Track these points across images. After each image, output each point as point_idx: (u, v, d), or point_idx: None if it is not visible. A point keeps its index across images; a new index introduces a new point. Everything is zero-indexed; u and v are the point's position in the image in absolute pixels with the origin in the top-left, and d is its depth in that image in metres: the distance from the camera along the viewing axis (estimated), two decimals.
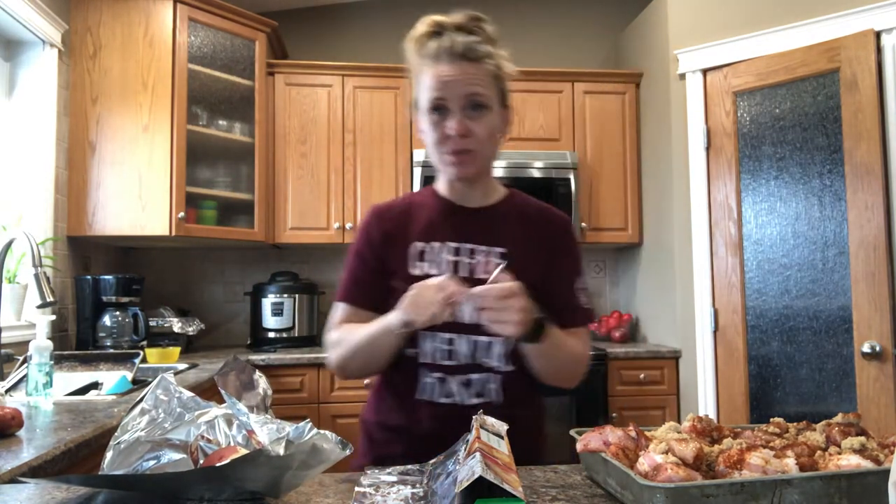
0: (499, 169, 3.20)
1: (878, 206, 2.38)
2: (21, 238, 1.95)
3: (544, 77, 3.37)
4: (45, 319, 1.74)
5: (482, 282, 1.17)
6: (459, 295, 1.05)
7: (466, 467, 0.72)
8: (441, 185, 1.32)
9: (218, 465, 0.76)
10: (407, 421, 1.22)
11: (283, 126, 3.22)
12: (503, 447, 0.83)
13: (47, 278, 1.87)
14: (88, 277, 2.75)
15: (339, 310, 1.31)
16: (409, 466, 0.95)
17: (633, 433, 0.88)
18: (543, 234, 1.28)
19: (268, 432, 0.86)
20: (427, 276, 1.19)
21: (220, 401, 0.93)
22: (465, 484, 0.67)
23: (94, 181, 2.76)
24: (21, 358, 1.96)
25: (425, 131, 1.22)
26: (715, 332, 2.85)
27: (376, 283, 1.26)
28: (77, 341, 2.75)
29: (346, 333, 1.24)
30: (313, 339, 3.25)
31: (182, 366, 2.45)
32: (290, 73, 3.24)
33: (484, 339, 1.21)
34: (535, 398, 1.31)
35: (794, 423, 0.97)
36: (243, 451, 0.80)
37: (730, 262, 2.81)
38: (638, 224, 3.39)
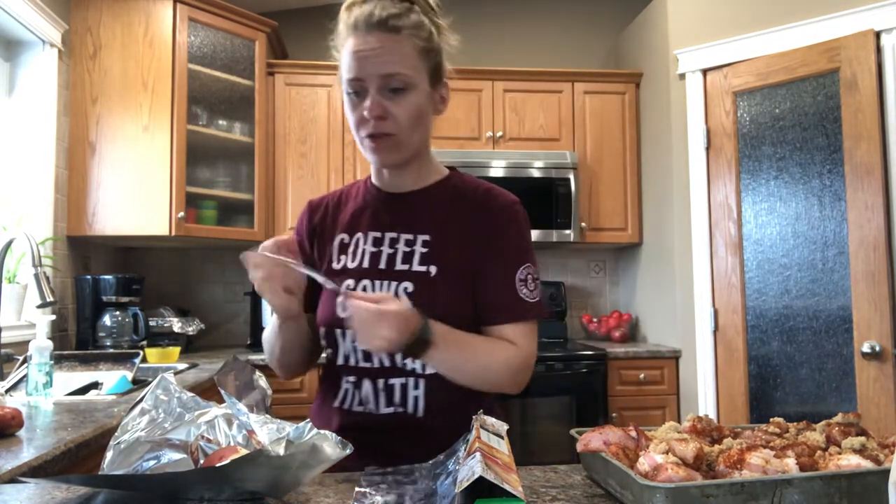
0: (498, 169, 3.20)
1: (878, 206, 2.38)
2: (21, 238, 1.95)
3: (544, 77, 3.37)
4: (45, 319, 1.74)
5: (402, 273, 1.10)
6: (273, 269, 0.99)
7: (466, 467, 0.72)
8: (372, 172, 1.21)
9: (218, 465, 0.76)
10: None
11: (283, 126, 3.22)
12: (503, 447, 0.83)
13: (47, 278, 1.87)
14: (88, 277, 2.75)
15: None
16: (409, 466, 0.95)
17: (633, 433, 0.88)
18: (480, 218, 1.13)
19: (268, 432, 0.86)
20: (347, 269, 1.13)
21: (220, 401, 0.93)
22: (466, 484, 0.67)
23: (94, 181, 2.76)
24: (21, 358, 1.96)
25: (347, 112, 1.10)
26: (715, 332, 2.85)
27: (309, 281, 1.16)
28: (77, 341, 2.75)
29: (268, 331, 1.19)
30: None
31: (182, 366, 2.45)
32: (290, 73, 3.24)
33: None
34: (476, 405, 1.08)
35: (794, 423, 0.97)
36: (243, 451, 0.80)
37: (730, 262, 2.81)
38: (638, 224, 3.39)
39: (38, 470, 1.04)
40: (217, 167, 3.19)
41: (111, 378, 2.04)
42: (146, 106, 2.79)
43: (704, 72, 2.93)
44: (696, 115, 2.94)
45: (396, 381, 1.09)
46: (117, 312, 2.74)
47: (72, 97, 2.77)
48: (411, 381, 1.09)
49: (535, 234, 3.22)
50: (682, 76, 3.00)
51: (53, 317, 2.13)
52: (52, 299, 1.85)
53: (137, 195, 2.77)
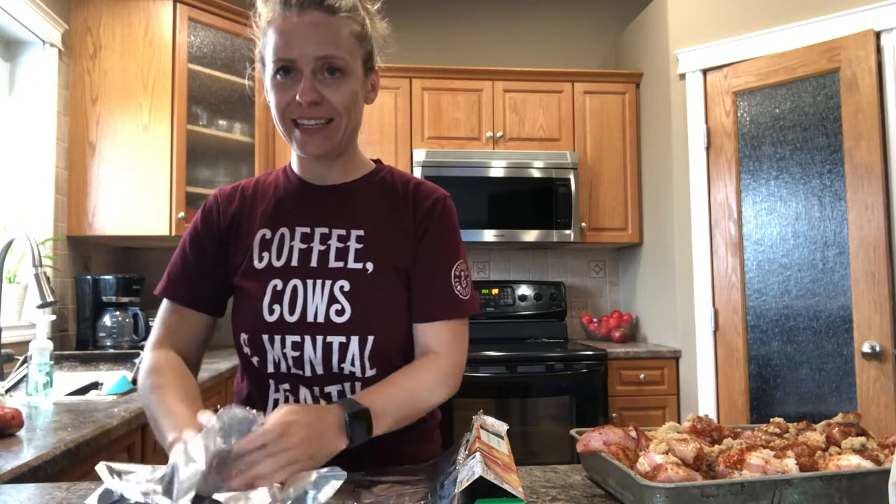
0: (499, 169, 3.20)
1: (878, 206, 2.38)
2: (21, 238, 1.95)
3: (544, 77, 3.37)
4: (45, 319, 1.75)
5: (336, 271, 1.03)
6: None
7: (466, 467, 0.72)
8: (294, 162, 1.12)
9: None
10: None
11: None
12: (503, 447, 0.83)
13: (47, 278, 1.87)
14: (88, 277, 2.75)
15: (160, 312, 1.12)
16: (409, 466, 0.95)
17: (633, 433, 0.88)
18: (414, 213, 1.08)
19: None
20: (271, 268, 1.04)
21: (223, 402, 0.92)
22: (466, 484, 0.67)
23: (94, 181, 2.76)
24: (21, 358, 1.96)
25: (270, 95, 1.02)
26: (715, 332, 2.85)
27: (212, 277, 1.09)
28: (77, 341, 2.75)
29: (151, 394, 0.97)
30: None
31: None
32: None
33: (339, 338, 1.01)
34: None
35: (794, 423, 0.97)
36: None
37: (730, 262, 2.81)
38: (638, 224, 3.39)
39: (37, 470, 1.04)
40: (217, 167, 3.19)
41: (111, 378, 2.04)
42: (146, 106, 2.79)
43: (704, 72, 2.93)
44: (696, 115, 2.94)
45: (333, 389, 1.02)
46: (117, 312, 2.74)
47: (72, 97, 2.77)
48: (348, 385, 1.02)
49: (534, 235, 3.23)
50: (683, 76, 3.00)
51: (53, 317, 2.13)
52: (52, 299, 1.85)
53: (137, 195, 2.77)
